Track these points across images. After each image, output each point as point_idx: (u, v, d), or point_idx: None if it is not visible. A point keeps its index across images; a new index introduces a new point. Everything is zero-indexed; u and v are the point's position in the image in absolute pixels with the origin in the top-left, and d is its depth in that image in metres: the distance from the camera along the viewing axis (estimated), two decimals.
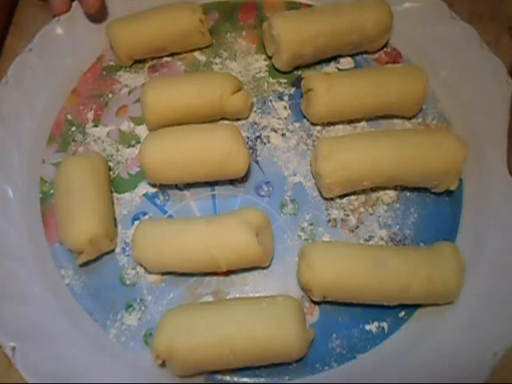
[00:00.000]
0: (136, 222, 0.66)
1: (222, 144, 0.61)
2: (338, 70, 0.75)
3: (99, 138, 0.71)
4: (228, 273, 0.63)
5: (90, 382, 0.57)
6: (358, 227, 0.66)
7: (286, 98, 0.73)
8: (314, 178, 0.68)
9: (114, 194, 0.68)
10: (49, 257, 0.64)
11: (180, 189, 0.68)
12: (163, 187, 0.68)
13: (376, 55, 0.76)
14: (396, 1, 0.74)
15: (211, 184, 0.68)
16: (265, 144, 0.70)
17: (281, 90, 0.74)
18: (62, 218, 0.61)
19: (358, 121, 0.71)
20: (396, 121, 0.72)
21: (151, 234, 0.60)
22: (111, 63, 0.75)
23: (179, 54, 0.76)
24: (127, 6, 0.76)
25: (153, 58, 0.76)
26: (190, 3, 0.72)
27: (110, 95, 0.74)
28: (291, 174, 0.69)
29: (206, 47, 0.76)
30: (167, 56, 0.76)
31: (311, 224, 0.66)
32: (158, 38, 0.71)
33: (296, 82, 0.74)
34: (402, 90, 0.67)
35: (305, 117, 0.71)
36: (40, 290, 0.61)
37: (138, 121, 0.72)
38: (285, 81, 0.74)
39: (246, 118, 0.72)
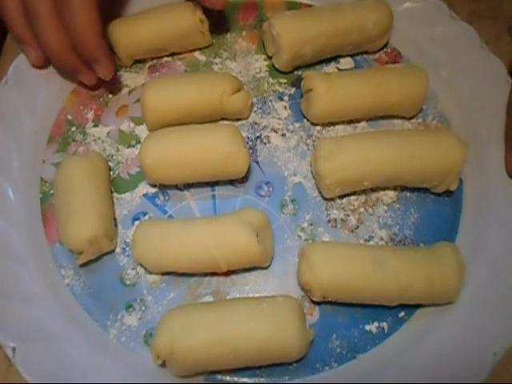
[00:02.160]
0: (136, 222, 0.66)
1: (223, 144, 0.61)
2: (338, 69, 0.75)
3: (99, 138, 0.71)
4: (228, 273, 0.63)
5: (90, 382, 0.57)
6: (358, 227, 0.66)
7: (286, 97, 0.73)
8: (314, 178, 0.68)
9: (114, 194, 0.67)
10: (49, 257, 0.64)
11: (180, 189, 0.68)
12: (163, 187, 0.68)
13: (376, 55, 0.76)
14: (396, 1, 0.74)
15: (211, 184, 0.68)
16: (265, 144, 0.70)
17: (281, 90, 0.74)
18: (62, 218, 0.61)
19: (358, 121, 0.71)
20: (396, 121, 0.72)
21: (151, 234, 0.60)
22: None
23: (179, 53, 0.76)
24: (127, 6, 0.76)
25: (153, 58, 0.75)
26: (190, 3, 0.72)
27: (110, 95, 0.73)
28: (291, 174, 0.69)
29: (206, 47, 0.76)
30: (167, 56, 0.76)
31: (311, 224, 0.66)
32: (158, 38, 0.71)
33: (296, 82, 0.74)
34: (401, 90, 0.67)
35: (305, 117, 0.71)
36: (40, 290, 0.61)
37: (138, 121, 0.72)
38: (285, 81, 0.74)
39: (246, 118, 0.72)
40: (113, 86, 0.73)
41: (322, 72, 0.74)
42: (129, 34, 0.71)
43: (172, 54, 0.76)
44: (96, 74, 0.66)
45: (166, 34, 0.71)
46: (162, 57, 0.76)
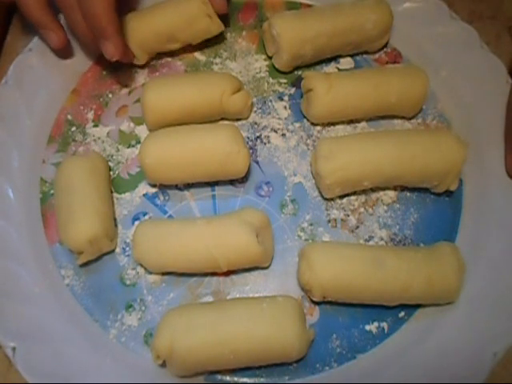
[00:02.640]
0: (136, 222, 0.66)
1: (223, 144, 0.61)
2: (338, 69, 0.75)
3: (99, 138, 0.71)
4: (228, 273, 0.63)
5: (90, 382, 0.57)
6: (358, 227, 0.66)
7: (286, 97, 0.73)
8: (314, 178, 0.68)
9: (114, 194, 0.67)
10: (49, 257, 0.64)
11: (180, 189, 0.68)
12: (163, 187, 0.68)
13: (376, 55, 0.76)
14: (396, 1, 0.74)
15: (211, 184, 0.68)
16: (265, 144, 0.70)
17: (281, 90, 0.74)
18: (62, 218, 0.61)
19: (358, 121, 0.71)
20: (396, 121, 0.72)
21: (151, 234, 0.60)
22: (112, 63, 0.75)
23: (194, 46, 0.74)
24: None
25: (159, 54, 0.75)
26: None
27: (110, 95, 0.74)
28: (291, 174, 0.69)
29: (211, 46, 0.75)
30: (168, 56, 0.75)
31: (311, 224, 0.66)
32: (166, 26, 0.70)
33: (296, 82, 0.74)
34: (402, 90, 0.67)
35: (305, 117, 0.71)
36: (40, 290, 0.61)
37: (138, 121, 0.72)
38: (285, 81, 0.74)
39: (246, 118, 0.72)
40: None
41: (322, 72, 0.74)
42: (139, 28, 0.70)
43: (173, 56, 0.75)
44: (105, 53, 0.66)
45: (172, 20, 0.70)
46: (175, 52, 0.74)
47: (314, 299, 0.59)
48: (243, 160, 0.62)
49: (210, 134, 0.63)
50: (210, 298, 0.62)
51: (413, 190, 0.67)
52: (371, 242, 0.65)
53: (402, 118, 0.72)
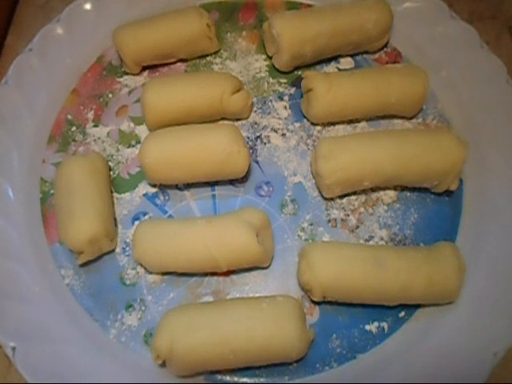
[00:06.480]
0: (136, 222, 0.66)
1: (223, 144, 0.61)
2: (338, 69, 0.75)
3: (99, 138, 0.71)
4: (228, 273, 0.63)
5: (90, 382, 0.57)
6: (358, 227, 0.66)
7: (286, 98, 0.73)
8: (314, 178, 0.68)
9: (114, 194, 0.68)
10: (49, 257, 0.64)
11: (180, 189, 0.68)
12: (163, 187, 0.68)
13: (376, 55, 0.76)
14: (396, 1, 0.74)
15: (211, 184, 0.68)
16: (265, 144, 0.70)
17: (281, 90, 0.74)
18: (62, 218, 0.61)
19: (358, 121, 0.71)
20: (396, 121, 0.72)
21: (151, 233, 0.60)
22: (111, 63, 0.75)
23: (186, 60, 0.75)
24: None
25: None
26: (196, 8, 0.71)
27: (110, 95, 0.74)
28: (291, 174, 0.69)
29: (214, 53, 0.75)
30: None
31: (311, 224, 0.66)
32: (166, 43, 0.71)
33: (296, 82, 0.74)
34: (402, 90, 0.67)
35: (305, 117, 0.71)
36: (40, 289, 0.61)
37: (138, 121, 0.72)
38: (285, 81, 0.74)
39: (246, 118, 0.72)
40: None
41: (322, 72, 0.73)
42: (135, 40, 0.70)
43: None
44: None
45: (173, 40, 0.71)
46: (170, 64, 0.75)
47: (314, 299, 0.59)
48: (243, 160, 0.62)
49: (210, 134, 0.63)
50: (209, 298, 0.62)
51: (413, 189, 0.67)
52: (371, 242, 0.65)
53: (402, 117, 0.72)
